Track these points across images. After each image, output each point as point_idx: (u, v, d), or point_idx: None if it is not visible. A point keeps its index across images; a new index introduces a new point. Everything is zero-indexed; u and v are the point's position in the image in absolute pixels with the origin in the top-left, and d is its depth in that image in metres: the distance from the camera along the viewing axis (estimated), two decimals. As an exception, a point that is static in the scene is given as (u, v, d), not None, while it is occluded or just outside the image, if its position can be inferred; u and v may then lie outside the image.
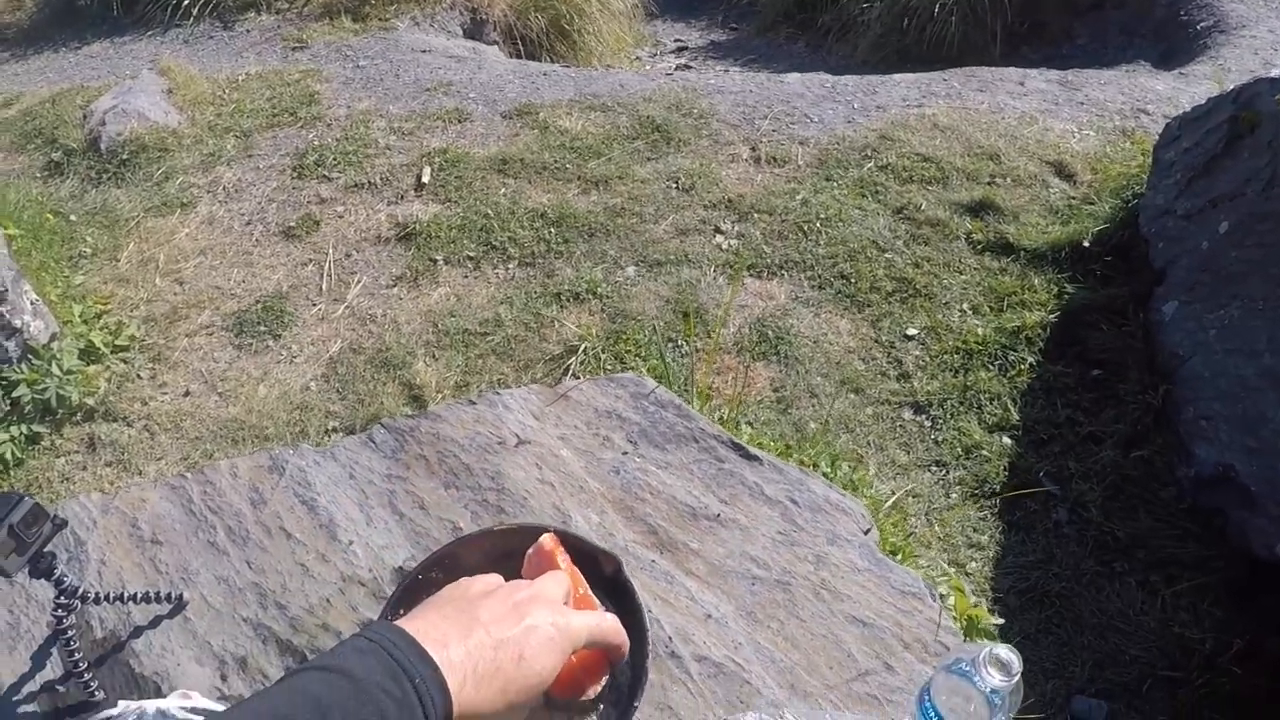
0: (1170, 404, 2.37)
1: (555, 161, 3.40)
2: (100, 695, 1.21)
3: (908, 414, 2.43)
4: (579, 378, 2.49)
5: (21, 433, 2.61)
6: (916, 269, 2.85)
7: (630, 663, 0.89)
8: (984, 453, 2.30)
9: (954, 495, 2.22)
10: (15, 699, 1.23)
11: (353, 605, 1.30)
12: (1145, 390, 2.41)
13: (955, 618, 1.37)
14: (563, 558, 0.94)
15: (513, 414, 1.57)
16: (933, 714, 1.01)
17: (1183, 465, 2.26)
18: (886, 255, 2.90)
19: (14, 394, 2.62)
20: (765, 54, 5.91)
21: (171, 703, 1.11)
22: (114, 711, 1.12)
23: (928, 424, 2.40)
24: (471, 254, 3.01)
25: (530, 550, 0.96)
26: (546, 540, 0.96)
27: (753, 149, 3.44)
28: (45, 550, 1.12)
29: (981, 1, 5.17)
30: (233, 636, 1.28)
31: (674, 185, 3.24)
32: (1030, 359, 2.54)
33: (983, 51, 5.09)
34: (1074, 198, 3.19)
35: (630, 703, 0.84)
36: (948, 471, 2.28)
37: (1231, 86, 3.03)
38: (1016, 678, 0.94)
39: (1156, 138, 3.49)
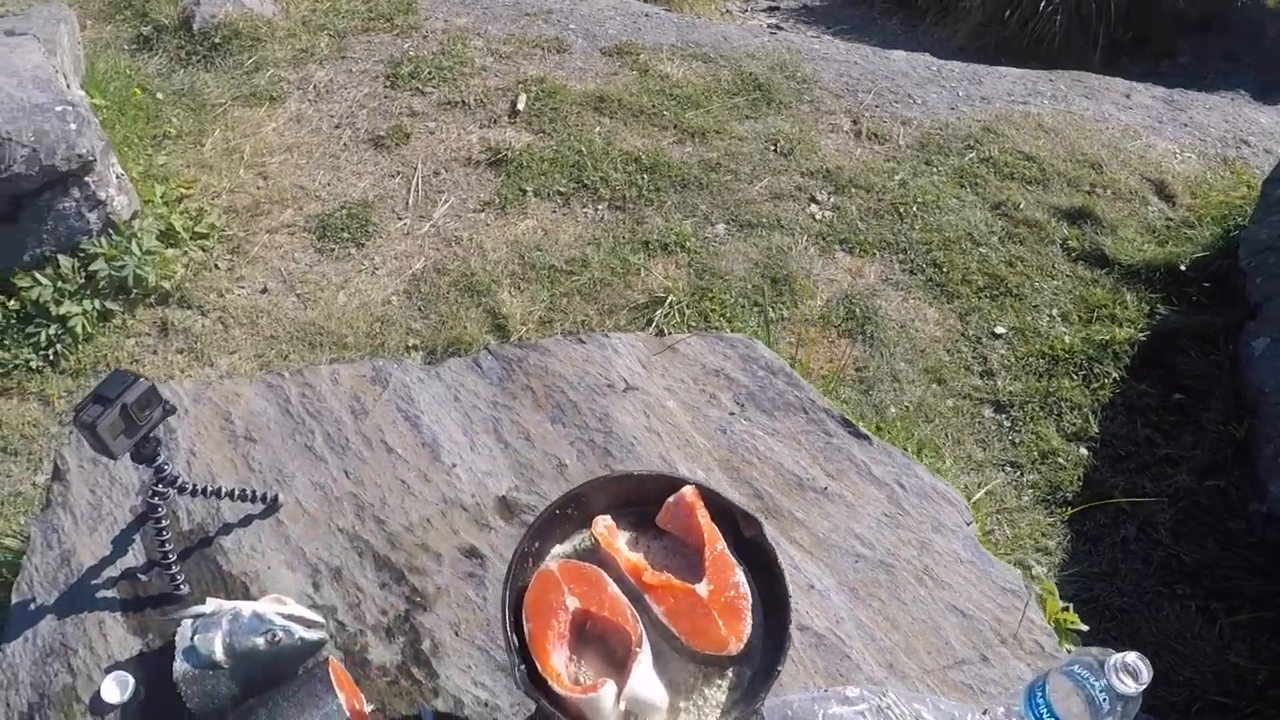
0: (1251, 439, 2.34)
1: (653, 106, 3.35)
2: (185, 589, 1.22)
3: (988, 411, 2.41)
4: (663, 331, 2.48)
5: (95, 308, 2.63)
6: (1009, 268, 2.80)
7: (771, 629, 0.89)
8: (1060, 460, 2.28)
9: (1026, 498, 2.21)
10: (94, 583, 1.24)
11: (454, 528, 1.32)
12: (1228, 421, 2.37)
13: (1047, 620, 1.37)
14: (702, 513, 0.94)
15: (621, 358, 1.57)
16: (1045, 712, 1.01)
17: (1256, 500, 2.24)
18: (981, 249, 2.85)
19: (91, 267, 2.65)
20: (858, 26, 5.75)
21: (267, 607, 1.11)
22: (205, 609, 1.13)
23: (1007, 424, 2.38)
24: (562, 189, 2.99)
25: (671, 499, 0.96)
26: (689, 493, 0.95)
27: (854, 122, 3.38)
28: (151, 435, 1.13)
29: (1089, 4, 5.00)
30: (327, 545, 1.30)
31: (772, 147, 3.19)
32: (1115, 374, 2.50)
33: (1082, 56, 4.94)
34: (1172, 219, 3.11)
35: (772, 668, 0.84)
36: (1022, 474, 2.27)
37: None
38: (1144, 686, 0.94)
39: (1256, 170, 3.42)
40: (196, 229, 2.89)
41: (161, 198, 2.94)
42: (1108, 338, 2.59)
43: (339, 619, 1.20)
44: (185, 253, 2.83)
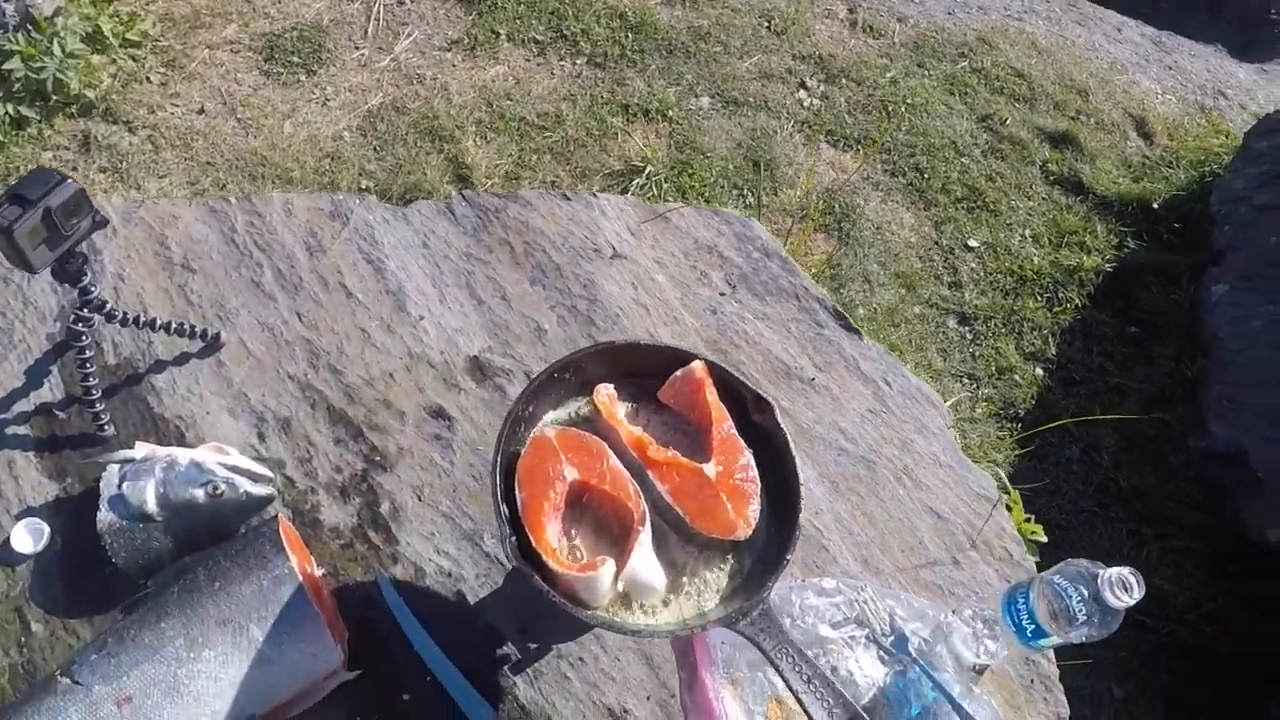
0: (1201, 379, 2.38)
1: (642, -38, 3.10)
2: (110, 430, 1.08)
3: (952, 322, 2.38)
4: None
5: (7, 112, 2.36)
6: (989, 182, 2.74)
7: (780, 517, 0.83)
8: (1016, 377, 2.29)
9: (979, 410, 2.22)
10: (3, 416, 1.09)
11: (419, 386, 1.21)
12: (1180, 359, 2.41)
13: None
14: (710, 390, 0.86)
15: (609, 222, 1.45)
16: (1026, 619, 0.99)
17: (1196, 437, 2.29)
18: (963, 160, 2.78)
19: (5, 65, 2.36)
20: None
21: (207, 456, 1.00)
22: (133, 453, 0.99)
23: (969, 336, 2.36)
24: (539, 37, 2.76)
25: (679, 373, 0.88)
26: (698, 368, 0.87)
27: (850, 10, 3.20)
28: (77, 249, 0.98)
29: (1085, -70, 4.84)
30: (275, 392, 1.17)
31: (765, 24, 3.01)
32: (1078, 300, 2.50)
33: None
34: (1148, 157, 3.09)
35: (781, 557, 0.78)
36: (979, 387, 2.27)
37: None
38: (1136, 601, 0.92)
39: (1231, 122, 3.43)
40: (128, 35, 2.59)
41: (89, -3, 2.62)
42: (1075, 264, 2.57)
43: (287, 474, 1.09)
44: (114, 60, 2.54)
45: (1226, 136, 3.16)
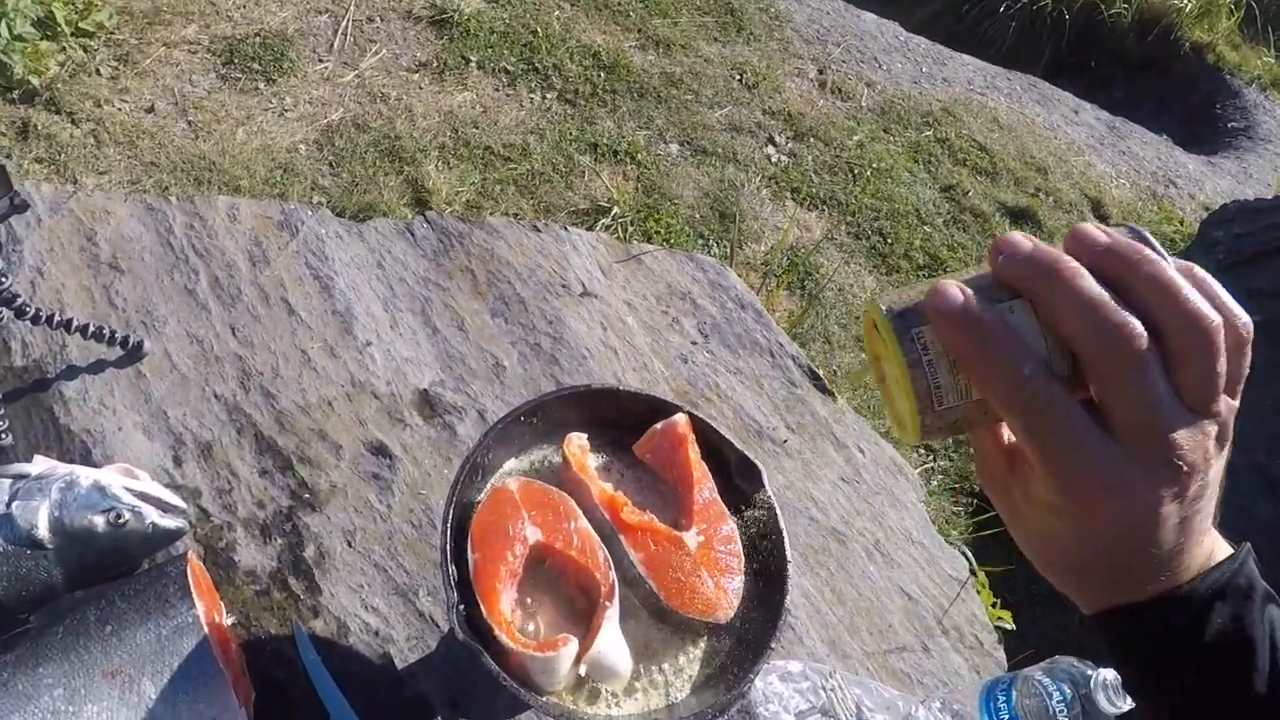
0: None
1: (619, 4, 3.09)
2: (7, 439, 0.95)
3: (911, 392, 2.35)
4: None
5: (-58, 91, 2.21)
6: (950, 252, 2.74)
7: (764, 595, 0.74)
8: (970, 450, 2.25)
9: (934, 482, 2.17)
10: None
11: (360, 418, 1.10)
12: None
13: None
14: (693, 447, 0.77)
15: (580, 258, 1.37)
16: (1006, 716, 0.92)
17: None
18: (925, 228, 2.78)
19: (-58, 39, 2.21)
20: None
21: (113, 479, 0.87)
22: (29, 468, 0.87)
23: (927, 408, 2.33)
24: (509, 67, 2.70)
25: (658, 425, 0.79)
26: (681, 422, 0.78)
27: (820, 71, 3.22)
28: None
29: (1044, 19, 5.04)
30: (198, 413, 1.05)
31: (737, 77, 3.00)
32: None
33: (1025, 68, 5.00)
34: (1102, 236, 3.15)
35: (765, 644, 0.69)
36: (935, 458, 2.22)
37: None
38: (1129, 708, 0.86)
39: (1180, 210, 3.55)
40: (81, 24, 2.45)
41: (42, -22, 2.48)
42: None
43: (203, 505, 0.97)
44: (64, 48, 2.40)
45: (1180, 224, 3.24)
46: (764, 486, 0.77)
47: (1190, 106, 5.52)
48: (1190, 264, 0.37)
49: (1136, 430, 0.36)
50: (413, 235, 1.31)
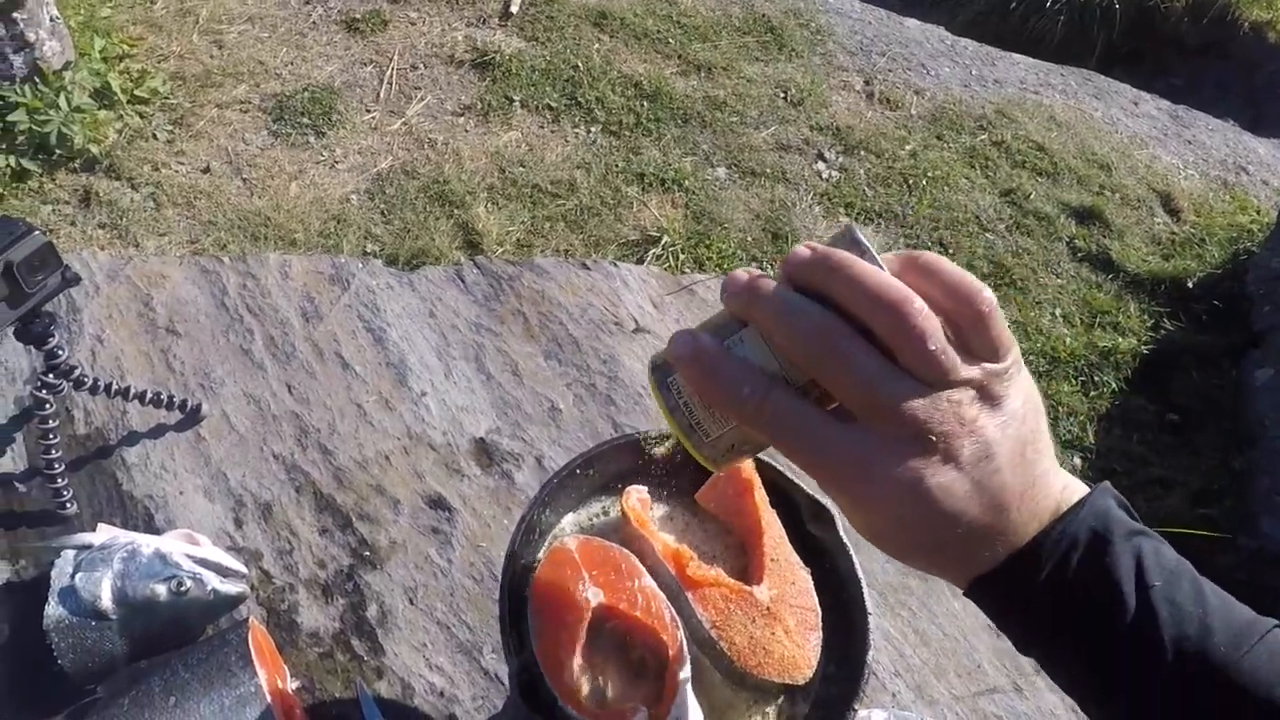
0: (1248, 471, 2.24)
1: (658, 31, 3.08)
2: (72, 509, 0.96)
3: (984, 406, 2.26)
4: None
5: (9, 164, 2.31)
6: (1015, 258, 2.65)
7: (841, 650, 0.69)
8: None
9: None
10: None
11: (417, 471, 1.08)
12: (1226, 449, 2.27)
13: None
14: (760, 493, 0.73)
15: (631, 293, 1.34)
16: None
17: (1246, 536, 2.14)
18: (987, 235, 2.69)
19: (9, 117, 2.31)
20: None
21: (174, 546, 0.86)
22: (92, 538, 0.86)
23: (1002, 423, 2.24)
24: (553, 104, 2.71)
25: (721, 473, 0.75)
26: (746, 467, 0.74)
27: (866, 83, 3.16)
28: (45, 309, 0.87)
29: (1094, 10, 4.89)
30: (257, 473, 1.05)
31: (781, 95, 2.97)
32: (1114, 384, 2.38)
33: (1077, 62, 4.85)
34: (1176, 234, 3.01)
35: (847, 705, 0.64)
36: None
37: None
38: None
39: (1255, 198, 3.37)
40: (136, 92, 2.55)
41: (100, 53, 2.58)
42: (1110, 345, 2.46)
43: (264, 567, 0.96)
44: (120, 116, 2.49)
45: (1257, 213, 3.09)
46: (837, 530, 0.73)
47: (1254, 88, 5.29)
48: (914, 252, 0.39)
49: (866, 412, 0.37)
50: (463, 281, 1.30)
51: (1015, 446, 0.38)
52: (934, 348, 0.36)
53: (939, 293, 0.38)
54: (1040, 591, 0.38)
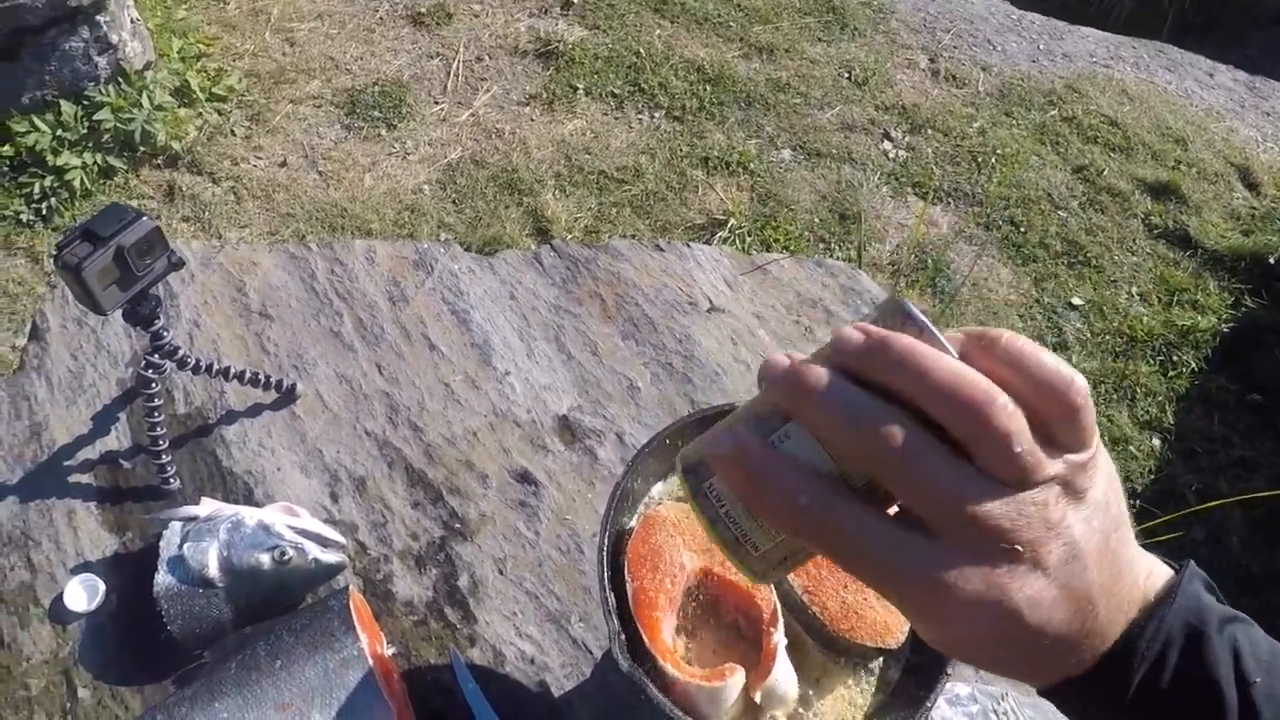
0: (1337, 451, 2.17)
1: (718, 15, 3.07)
2: (176, 484, 1.01)
3: (1058, 387, 2.22)
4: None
5: (96, 162, 2.40)
6: (1089, 236, 2.58)
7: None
8: (1131, 449, 2.11)
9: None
10: (67, 464, 1.02)
11: (504, 446, 1.11)
12: (1313, 430, 2.20)
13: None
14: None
15: (705, 273, 1.36)
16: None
17: (1335, 517, 2.07)
18: (1060, 213, 2.63)
19: (96, 116, 2.40)
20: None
21: (276, 517, 0.90)
22: (199, 511, 0.91)
23: (1077, 403, 2.20)
24: (616, 91, 2.73)
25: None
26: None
27: (931, 60, 3.11)
28: (151, 291, 0.91)
29: (1165, -20, 4.71)
30: (351, 450, 1.09)
31: (845, 75, 2.94)
32: (1194, 363, 2.31)
33: (1148, 34, 4.69)
34: (1256, 209, 2.90)
35: (940, 668, 0.65)
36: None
37: None
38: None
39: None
40: (214, 90, 2.64)
41: (179, 53, 2.68)
42: (1189, 324, 2.39)
43: (359, 539, 1.00)
44: (200, 114, 2.59)
45: (1335, 186, 2.96)
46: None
47: (1332, 55, 5.05)
48: (986, 331, 0.34)
49: (939, 523, 0.33)
50: (541, 264, 1.33)
51: (1101, 540, 0.34)
52: (1020, 449, 0.32)
53: (1019, 380, 0.33)
54: (1135, 694, 0.35)
